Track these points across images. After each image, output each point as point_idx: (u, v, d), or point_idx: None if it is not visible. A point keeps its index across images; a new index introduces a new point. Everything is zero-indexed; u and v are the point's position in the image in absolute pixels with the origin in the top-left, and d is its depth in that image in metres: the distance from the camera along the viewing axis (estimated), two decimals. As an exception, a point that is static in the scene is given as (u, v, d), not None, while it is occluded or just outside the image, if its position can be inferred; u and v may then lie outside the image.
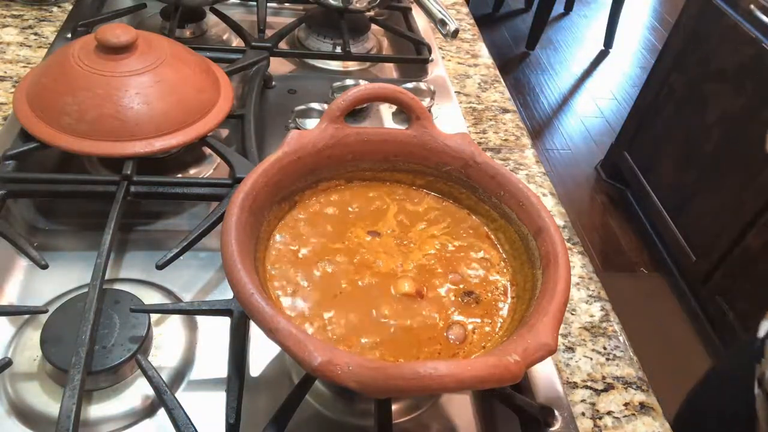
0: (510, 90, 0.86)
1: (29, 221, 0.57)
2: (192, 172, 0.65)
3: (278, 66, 0.83)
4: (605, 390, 0.50)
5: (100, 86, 0.55)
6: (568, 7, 3.51)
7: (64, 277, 0.51)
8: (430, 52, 0.85)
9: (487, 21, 3.36)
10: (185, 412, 0.40)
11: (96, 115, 0.55)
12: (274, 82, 0.79)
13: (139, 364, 0.43)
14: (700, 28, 1.80)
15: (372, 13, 0.92)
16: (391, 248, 0.47)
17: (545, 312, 0.37)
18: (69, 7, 0.86)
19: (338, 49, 0.84)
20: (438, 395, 0.49)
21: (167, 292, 0.52)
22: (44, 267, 0.48)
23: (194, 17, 0.84)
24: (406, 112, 0.50)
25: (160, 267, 0.50)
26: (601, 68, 3.09)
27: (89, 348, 0.42)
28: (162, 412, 0.43)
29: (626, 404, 0.50)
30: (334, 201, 0.50)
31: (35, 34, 0.80)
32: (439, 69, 0.85)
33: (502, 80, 0.87)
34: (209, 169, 0.65)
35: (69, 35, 0.77)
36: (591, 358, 0.53)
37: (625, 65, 3.13)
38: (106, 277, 0.48)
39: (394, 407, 0.45)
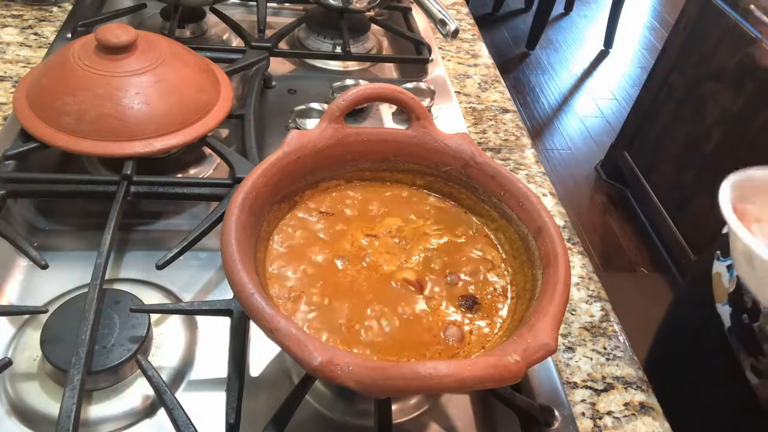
0: (510, 90, 0.86)
1: (29, 221, 0.57)
2: (192, 172, 0.65)
3: (278, 66, 0.83)
4: (605, 390, 0.50)
5: (100, 86, 0.55)
6: (568, 7, 3.52)
7: (64, 277, 0.51)
8: (430, 52, 0.85)
9: (487, 21, 3.36)
10: (185, 412, 0.40)
11: (96, 115, 0.55)
12: (274, 82, 0.79)
13: (139, 364, 0.43)
14: (700, 28, 1.80)
15: (372, 13, 0.92)
16: (391, 248, 0.47)
17: (545, 312, 0.37)
18: (69, 7, 0.86)
19: (338, 49, 0.84)
20: (438, 395, 0.49)
21: (167, 292, 0.52)
22: (44, 267, 0.48)
23: (194, 17, 0.84)
24: (406, 112, 0.50)
25: (160, 267, 0.50)
26: (601, 68, 3.09)
27: (89, 348, 0.42)
28: (162, 412, 0.43)
29: (626, 404, 0.50)
30: (334, 201, 0.50)
31: (35, 34, 0.80)
32: (439, 69, 0.85)
33: (502, 80, 0.87)
34: (209, 169, 0.65)
35: (69, 35, 0.77)
36: (591, 358, 0.53)
37: (625, 65, 3.13)
38: (106, 277, 0.48)
39: (394, 407, 0.45)
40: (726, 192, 0.44)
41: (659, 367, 0.53)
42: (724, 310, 0.56)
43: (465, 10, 1.04)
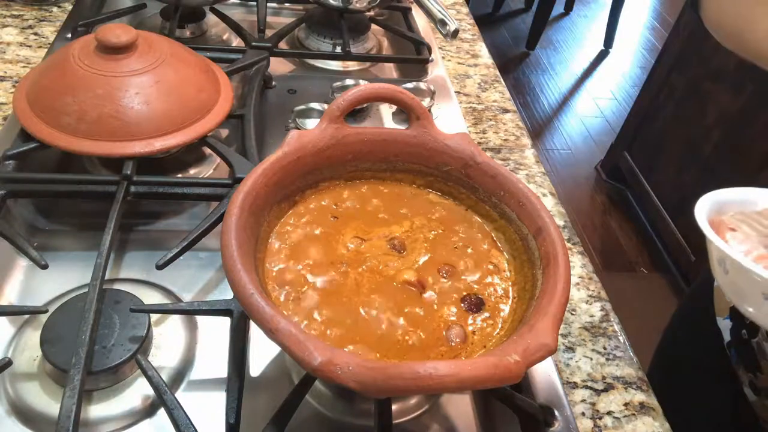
0: (510, 90, 0.86)
1: (29, 221, 0.57)
2: (192, 172, 0.65)
3: (278, 66, 0.83)
4: (605, 390, 0.50)
5: (100, 86, 0.55)
6: (568, 7, 3.51)
7: (64, 277, 0.51)
8: (430, 52, 0.85)
9: (487, 21, 3.36)
10: (185, 412, 0.40)
11: (96, 115, 0.55)
12: (274, 82, 0.79)
13: (139, 364, 0.43)
14: (700, 28, 1.80)
15: (372, 13, 0.92)
16: (392, 248, 0.47)
17: (545, 312, 0.37)
18: (69, 7, 0.86)
19: (338, 49, 0.84)
20: (438, 395, 0.49)
21: (167, 292, 0.52)
22: (44, 267, 0.48)
23: (194, 17, 0.84)
24: (406, 112, 0.50)
25: (160, 267, 0.50)
26: (601, 68, 3.09)
27: (89, 348, 0.42)
28: (162, 412, 0.43)
29: (626, 404, 0.50)
30: (334, 201, 0.50)
31: (35, 34, 0.80)
32: (439, 69, 0.85)
33: (502, 80, 0.87)
34: (209, 169, 0.65)
35: (69, 35, 0.77)
36: (591, 358, 0.53)
37: (625, 65, 3.13)
38: (106, 277, 0.48)
39: (394, 407, 0.45)
40: (702, 206, 0.45)
41: (659, 385, 0.53)
42: (725, 325, 0.56)
43: (465, 10, 1.04)
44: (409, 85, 0.78)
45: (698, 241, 1.84)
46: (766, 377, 0.52)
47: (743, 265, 0.40)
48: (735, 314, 0.56)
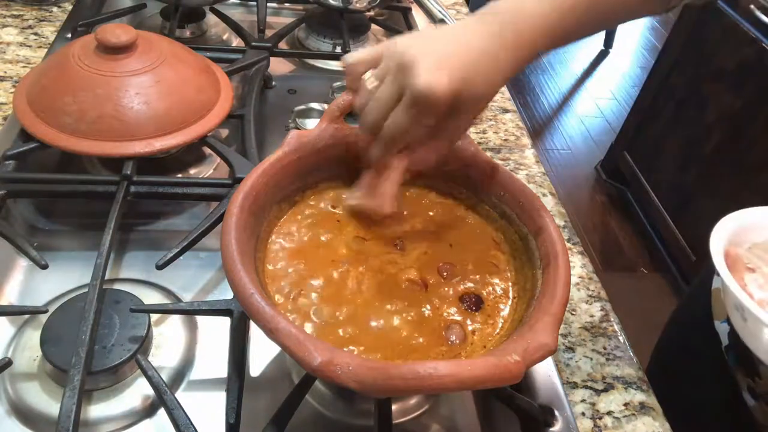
0: (510, 90, 0.86)
1: (29, 221, 0.57)
2: (192, 172, 0.65)
3: (278, 66, 0.83)
4: (605, 390, 0.50)
5: (100, 86, 0.55)
6: (568, 7, 3.51)
7: (64, 277, 0.51)
8: (430, 52, 0.85)
9: (487, 21, 3.35)
10: (185, 412, 0.40)
11: (96, 115, 0.55)
12: (274, 82, 0.79)
13: (139, 364, 0.43)
14: (700, 28, 1.80)
15: (372, 13, 0.92)
16: (393, 248, 0.47)
17: (545, 312, 0.37)
18: (69, 7, 0.86)
19: (338, 49, 0.84)
20: (438, 395, 0.49)
21: (167, 292, 0.52)
22: (44, 267, 0.48)
23: (194, 17, 0.84)
24: (406, 112, 0.50)
25: (160, 267, 0.50)
26: (601, 68, 3.08)
27: (89, 348, 0.42)
28: (162, 412, 0.43)
29: (626, 404, 0.50)
30: (334, 201, 0.50)
31: (35, 34, 0.80)
32: (439, 69, 0.85)
33: (502, 80, 0.87)
34: (209, 169, 0.65)
35: (69, 35, 0.77)
36: (591, 358, 0.53)
37: (625, 65, 3.13)
38: (106, 277, 0.48)
39: (394, 407, 0.45)
40: (718, 239, 0.45)
41: (656, 385, 0.53)
42: (723, 328, 0.56)
43: (465, 10, 1.04)
44: (409, 85, 0.77)
45: (698, 241, 1.84)
46: (765, 382, 0.52)
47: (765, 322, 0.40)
48: None
